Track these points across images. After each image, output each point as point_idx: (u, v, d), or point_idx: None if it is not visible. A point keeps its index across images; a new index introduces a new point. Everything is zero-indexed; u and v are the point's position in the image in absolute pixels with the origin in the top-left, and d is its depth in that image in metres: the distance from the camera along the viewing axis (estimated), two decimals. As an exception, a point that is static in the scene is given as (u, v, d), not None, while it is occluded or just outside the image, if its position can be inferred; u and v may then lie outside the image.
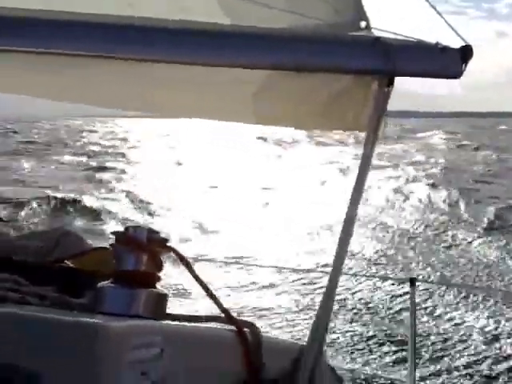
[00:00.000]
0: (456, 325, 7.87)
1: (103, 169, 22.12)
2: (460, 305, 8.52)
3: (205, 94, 1.78)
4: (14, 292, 1.33)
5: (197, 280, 1.38)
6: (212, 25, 1.59)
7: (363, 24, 1.69)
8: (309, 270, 9.29)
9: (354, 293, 8.76)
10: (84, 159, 25.09)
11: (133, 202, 15.86)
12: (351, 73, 1.60)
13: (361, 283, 8.94)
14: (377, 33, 1.64)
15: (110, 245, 1.38)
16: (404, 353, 6.25)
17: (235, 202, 16.01)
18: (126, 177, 20.32)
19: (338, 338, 7.28)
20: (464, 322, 7.96)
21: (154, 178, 19.54)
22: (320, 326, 1.54)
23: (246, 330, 1.39)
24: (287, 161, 25.70)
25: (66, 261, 2.00)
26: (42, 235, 2.21)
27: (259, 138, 32.71)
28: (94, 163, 23.69)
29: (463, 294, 8.75)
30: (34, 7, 1.55)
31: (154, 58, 1.54)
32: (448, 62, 1.51)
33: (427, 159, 26.21)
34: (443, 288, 8.87)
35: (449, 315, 8.19)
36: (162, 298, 1.33)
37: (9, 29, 1.46)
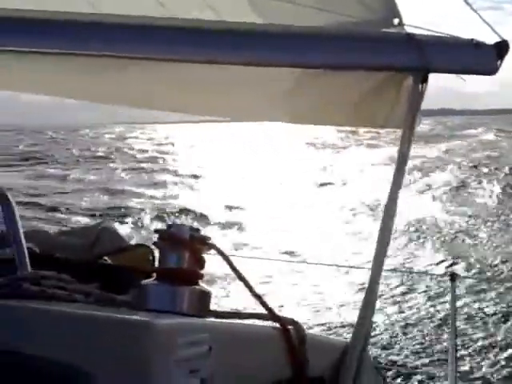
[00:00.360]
0: None
1: (180, 175, 21.17)
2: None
3: (236, 94, 1.80)
4: (60, 289, 1.36)
5: (239, 278, 1.39)
6: (244, 24, 1.60)
7: (396, 21, 1.68)
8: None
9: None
10: (151, 165, 24.16)
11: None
12: (385, 69, 1.60)
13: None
14: (410, 29, 1.64)
15: (153, 243, 1.41)
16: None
17: (334, 204, 15.29)
18: (211, 182, 19.37)
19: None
20: None
21: (239, 182, 18.58)
22: (364, 324, 1.55)
23: (289, 327, 1.41)
24: (353, 164, 23.81)
25: (105, 257, 2.05)
26: (82, 231, 2.27)
27: (308, 143, 31.83)
28: (168, 168, 22.91)
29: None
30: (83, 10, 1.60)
31: (194, 59, 1.55)
32: (483, 58, 1.50)
33: (506, 155, 24.35)
34: None
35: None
36: (206, 296, 1.35)
37: (48, 31, 1.50)
